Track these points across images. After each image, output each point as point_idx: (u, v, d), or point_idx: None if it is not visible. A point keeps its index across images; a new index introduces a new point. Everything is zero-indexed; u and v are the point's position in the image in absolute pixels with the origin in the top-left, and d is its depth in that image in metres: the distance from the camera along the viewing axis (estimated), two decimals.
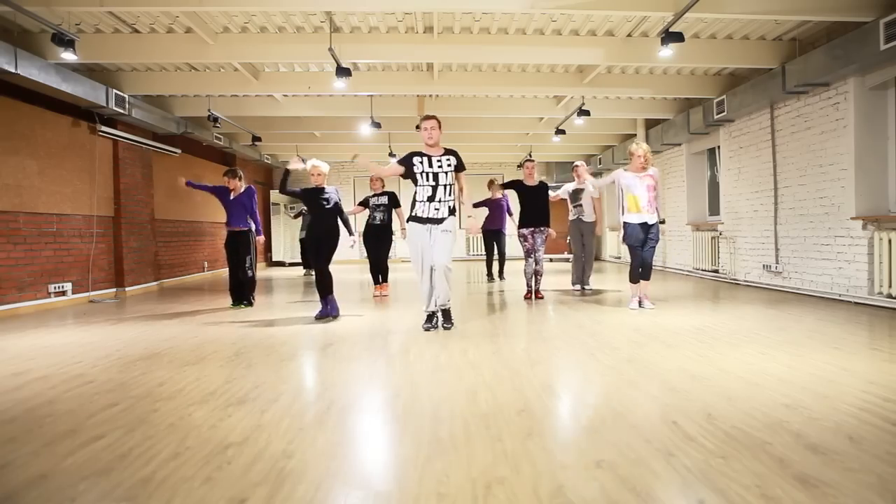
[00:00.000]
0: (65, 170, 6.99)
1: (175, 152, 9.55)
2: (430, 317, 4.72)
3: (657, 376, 3.06)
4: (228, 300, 6.50)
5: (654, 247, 5.61)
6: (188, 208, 10.51)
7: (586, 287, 7.14)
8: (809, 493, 1.70)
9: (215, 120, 8.48)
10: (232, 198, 6.27)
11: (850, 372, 3.07)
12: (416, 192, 4.61)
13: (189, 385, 3.06)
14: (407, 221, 4.75)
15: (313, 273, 5.62)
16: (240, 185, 6.31)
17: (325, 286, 5.37)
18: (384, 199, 7.27)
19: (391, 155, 12.11)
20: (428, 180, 4.54)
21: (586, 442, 2.25)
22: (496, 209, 8.91)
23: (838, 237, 5.97)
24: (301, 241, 11.06)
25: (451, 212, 4.61)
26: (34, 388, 3.07)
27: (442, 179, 4.54)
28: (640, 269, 5.59)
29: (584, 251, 7.16)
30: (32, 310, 6.37)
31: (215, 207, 11.67)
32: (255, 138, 10.61)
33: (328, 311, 5.38)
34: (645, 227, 5.52)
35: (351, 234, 5.71)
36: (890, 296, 5.26)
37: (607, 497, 1.70)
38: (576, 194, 7.19)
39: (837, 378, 2.95)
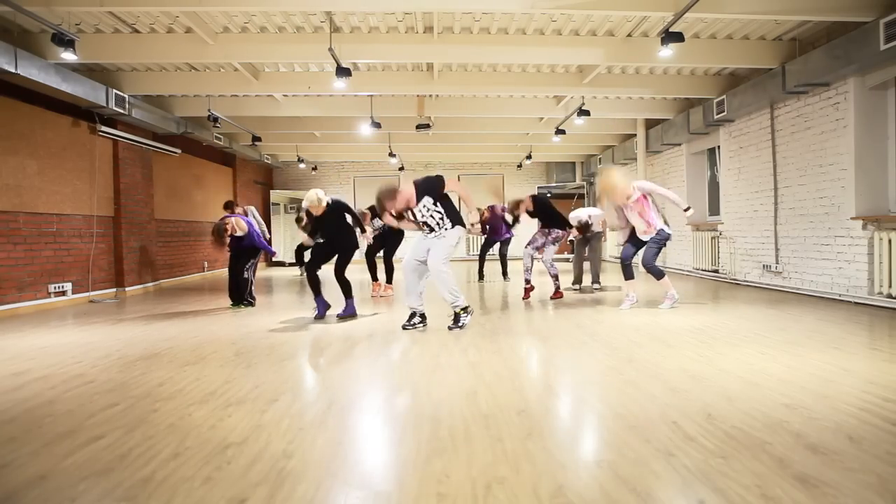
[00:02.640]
0: (65, 170, 6.99)
1: (175, 152, 9.56)
2: (411, 316, 4.75)
3: (657, 376, 3.06)
4: (228, 301, 6.49)
5: (654, 248, 5.57)
6: (188, 208, 10.52)
7: (595, 286, 7.48)
8: (809, 493, 1.70)
9: (215, 120, 8.48)
10: (238, 234, 6.24)
11: (850, 372, 3.07)
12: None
13: (189, 385, 3.06)
14: None
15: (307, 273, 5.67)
16: (234, 224, 6.16)
17: (346, 288, 5.48)
18: (379, 222, 7.33)
19: (391, 155, 12.13)
20: (420, 224, 4.70)
21: (586, 442, 2.26)
22: (495, 225, 8.83)
23: (838, 237, 5.97)
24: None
25: (451, 227, 4.63)
26: (34, 388, 3.07)
27: (431, 221, 4.63)
28: (625, 266, 5.68)
29: (590, 253, 7.51)
30: (32, 310, 6.36)
31: (215, 207, 11.69)
32: (255, 138, 10.61)
33: (323, 312, 5.41)
34: (640, 242, 5.68)
35: (363, 231, 5.83)
36: (890, 296, 5.26)
37: (607, 497, 1.70)
38: (586, 227, 7.30)
39: (837, 378, 2.95)
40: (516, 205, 6.69)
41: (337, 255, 5.52)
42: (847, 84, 5.78)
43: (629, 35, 6.43)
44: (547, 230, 6.55)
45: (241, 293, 6.33)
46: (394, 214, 4.61)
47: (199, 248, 10.97)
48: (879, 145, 5.72)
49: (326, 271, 5.52)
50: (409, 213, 4.67)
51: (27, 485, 1.86)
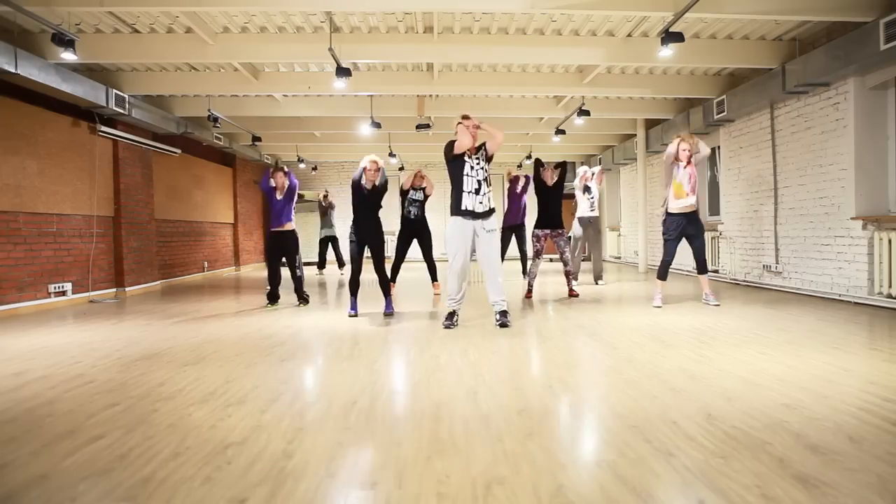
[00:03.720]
0: (65, 170, 6.98)
1: (175, 152, 9.56)
2: (452, 314, 4.80)
3: (657, 376, 3.06)
4: (228, 301, 6.49)
5: (702, 240, 5.78)
6: (188, 208, 10.51)
7: (600, 282, 7.99)
8: (809, 493, 1.70)
9: (215, 120, 8.47)
10: (279, 197, 6.26)
11: (850, 372, 3.07)
12: (459, 182, 4.77)
13: (189, 385, 3.06)
14: (451, 215, 4.85)
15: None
16: (284, 182, 6.26)
17: (385, 284, 5.61)
18: (421, 195, 7.23)
19: (391, 155, 12.12)
20: (472, 179, 4.74)
21: (586, 442, 2.26)
22: (514, 201, 8.84)
23: (838, 237, 5.97)
24: (321, 241, 11.13)
25: (493, 208, 4.79)
26: (34, 388, 3.07)
27: (482, 176, 4.76)
28: (665, 264, 5.84)
29: (592, 250, 8.10)
30: (32, 310, 6.36)
31: (215, 207, 11.71)
32: (255, 138, 10.61)
33: (355, 312, 5.51)
34: (687, 216, 5.71)
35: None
36: (890, 296, 5.26)
37: (607, 497, 1.70)
38: (588, 188, 7.89)
39: (837, 378, 2.95)
40: (546, 168, 6.71)
41: (371, 253, 5.60)
42: (847, 84, 5.78)
43: (629, 35, 6.43)
44: (552, 232, 6.65)
45: (299, 291, 6.44)
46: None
47: (199, 248, 10.97)
48: (879, 145, 5.72)
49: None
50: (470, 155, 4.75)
51: (27, 485, 1.86)
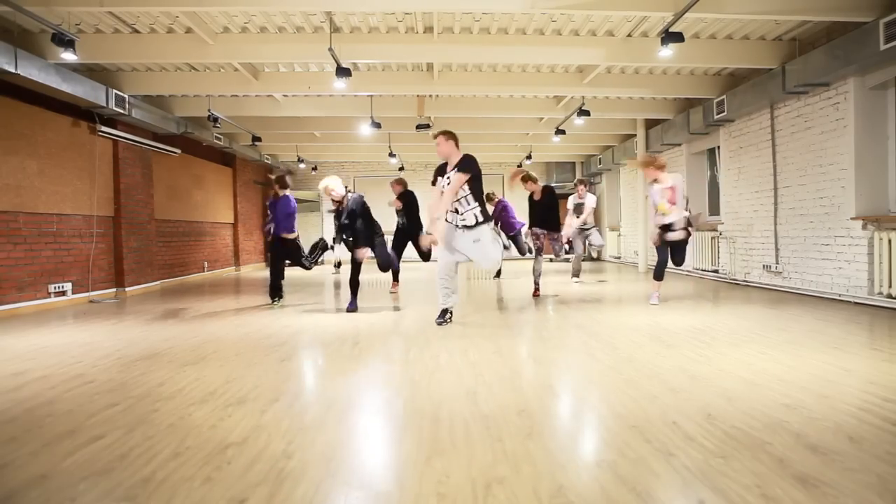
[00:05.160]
0: (65, 170, 6.98)
1: (175, 152, 9.56)
2: (443, 312, 4.92)
3: (657, 376, 3.06)
4: (228, 301, 6.50)
5: (681, 246, 5.96)
6: (188, 208, 10.51)
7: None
8: (809, 493, 1.70)
9: (215, 120, 8.48)
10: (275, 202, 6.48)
11: (850, 372, 3.07)
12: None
13: (189, 385, 3.06)
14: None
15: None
16: (280, 192, 6.46)
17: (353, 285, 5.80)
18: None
19: (391, 155, 12.12)
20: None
21: (586, 442, 2.26)
22: (501, 213, 8.86)
23: (838, 237, 5.97)
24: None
25: (481, 221, 4.78)
26: (34, 388, 3.07)
27: (459, 193, 4.75)
28: (661, 264, 6.02)
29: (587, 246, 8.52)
30: (32, 310, 6.36)
31: (215, 208, 11.71)
32: (255, 138, 10.61)
33: (355, 308, 5.69)
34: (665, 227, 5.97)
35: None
36: (890, 296, 5.26)
37: (607, 497, 1.70)
38: (578, 207, 8.12)
39: (837, 378, 2.95)
40: (524, 178, 6.82)
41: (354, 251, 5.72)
42: (847, 84, 5.78)
43: (629, 35, 6.43)
44: (549, 233, 6.80)
45: (307, 259, 6.63)
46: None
47: (199, 248, 10.97)
48: (879, 145, 5.72)
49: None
50: (443, 180, 4.75)
51: (27, 485, 1.86)
